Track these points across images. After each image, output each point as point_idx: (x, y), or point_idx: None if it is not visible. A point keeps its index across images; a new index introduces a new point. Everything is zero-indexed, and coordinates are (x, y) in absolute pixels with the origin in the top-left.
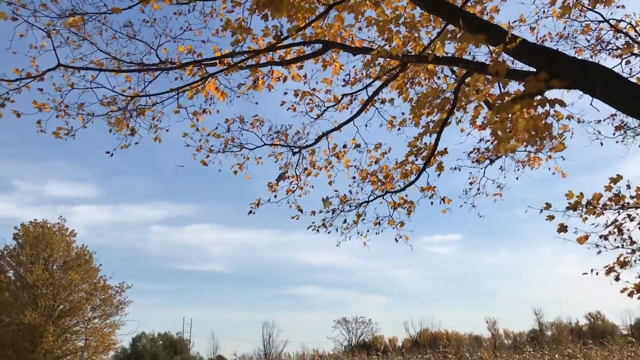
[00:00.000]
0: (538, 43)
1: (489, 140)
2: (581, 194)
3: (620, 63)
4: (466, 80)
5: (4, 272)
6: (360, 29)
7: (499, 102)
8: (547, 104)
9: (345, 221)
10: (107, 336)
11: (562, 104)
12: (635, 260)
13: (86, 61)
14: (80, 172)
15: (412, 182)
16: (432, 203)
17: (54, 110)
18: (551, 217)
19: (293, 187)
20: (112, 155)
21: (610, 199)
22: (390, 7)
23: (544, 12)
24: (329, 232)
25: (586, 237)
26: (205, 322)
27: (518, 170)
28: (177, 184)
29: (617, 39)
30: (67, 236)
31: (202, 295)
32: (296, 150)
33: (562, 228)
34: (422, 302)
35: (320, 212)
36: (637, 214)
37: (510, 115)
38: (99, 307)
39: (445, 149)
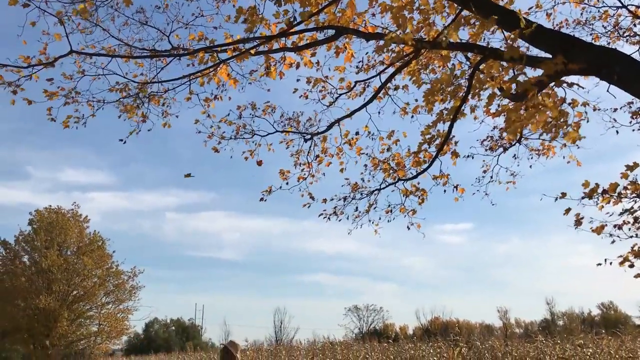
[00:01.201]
0: (554, 29)
1: (502, 128)
2: (597, 184)
3: (639, 50)
4: (481, 67)
5: (19, 257)
6: (373, 14)
7: (515, 84)
8: (564, 86)
9: (356, 209)
10: (121, 321)
11: (579, 86)
12: None
13: (98, 48)
14: (95, 160)
15: (425, 170)
16: (444, 191)
17: (64, 97)
18: (568, 211)
19: (305, 175)
20: (125, 142)
21: (626, 187)
22: None
23: None
24: (340, 220)
25: (602, 227)
26: (218, 308)
27: (532, 159)
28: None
29: (635, 25)
30: (81, 222)
31: (214, 282)
32: (308, 137)
33: (579, 221)
34: (434, 291)
35: (332, 199)
36: None
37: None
38: (112, 293)
39: (456, 142)
